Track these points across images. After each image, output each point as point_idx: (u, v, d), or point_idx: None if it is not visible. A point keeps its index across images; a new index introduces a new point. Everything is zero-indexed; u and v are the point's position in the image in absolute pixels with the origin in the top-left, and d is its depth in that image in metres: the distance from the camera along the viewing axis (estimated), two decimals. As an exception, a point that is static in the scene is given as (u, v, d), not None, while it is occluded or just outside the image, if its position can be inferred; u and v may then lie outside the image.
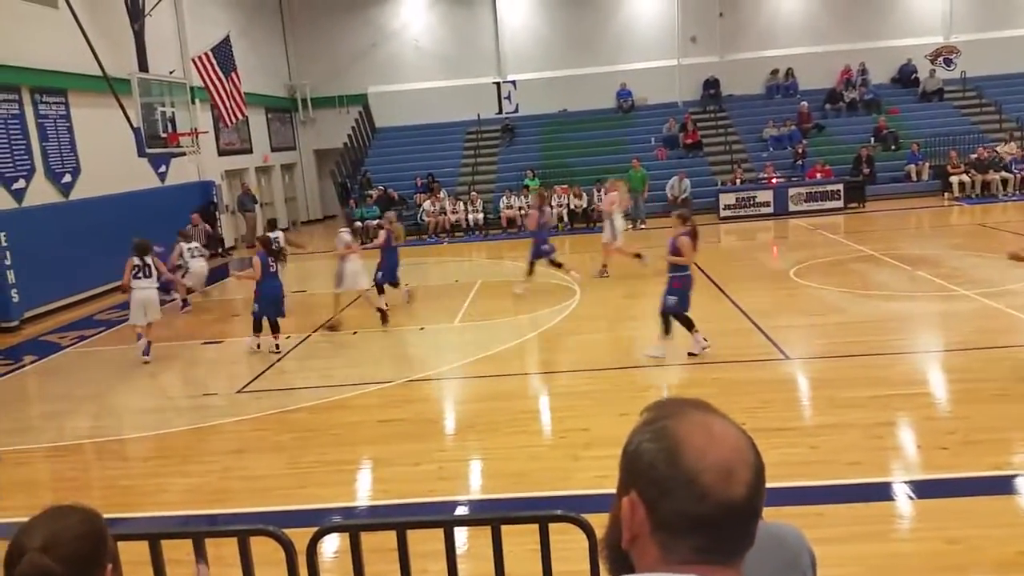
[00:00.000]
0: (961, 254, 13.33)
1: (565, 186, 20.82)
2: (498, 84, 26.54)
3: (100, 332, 12.55)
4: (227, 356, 10.58)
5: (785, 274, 12.67)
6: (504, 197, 21.00)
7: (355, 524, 3.55)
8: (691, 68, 25.75)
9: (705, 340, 8.53)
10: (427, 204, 21.24)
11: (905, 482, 5.42)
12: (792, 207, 19.97)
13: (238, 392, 8.76)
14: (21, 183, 13.98)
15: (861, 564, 4.42)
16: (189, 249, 13.53)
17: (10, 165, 13.74)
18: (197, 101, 18.37)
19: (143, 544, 3.15)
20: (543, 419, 7.45)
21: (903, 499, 5.20)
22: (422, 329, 11.03)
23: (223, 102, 17.92)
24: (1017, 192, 19.96)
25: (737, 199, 20.28)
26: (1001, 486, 5.30)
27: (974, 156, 20.68)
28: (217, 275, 17.21)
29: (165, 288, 12.17)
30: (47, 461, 7.26)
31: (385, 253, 12.16)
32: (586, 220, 20.25)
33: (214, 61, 17.56)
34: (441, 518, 4.27)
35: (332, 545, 4.87)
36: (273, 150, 25.32)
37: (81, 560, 1.60)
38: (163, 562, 3.15)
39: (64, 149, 15.17)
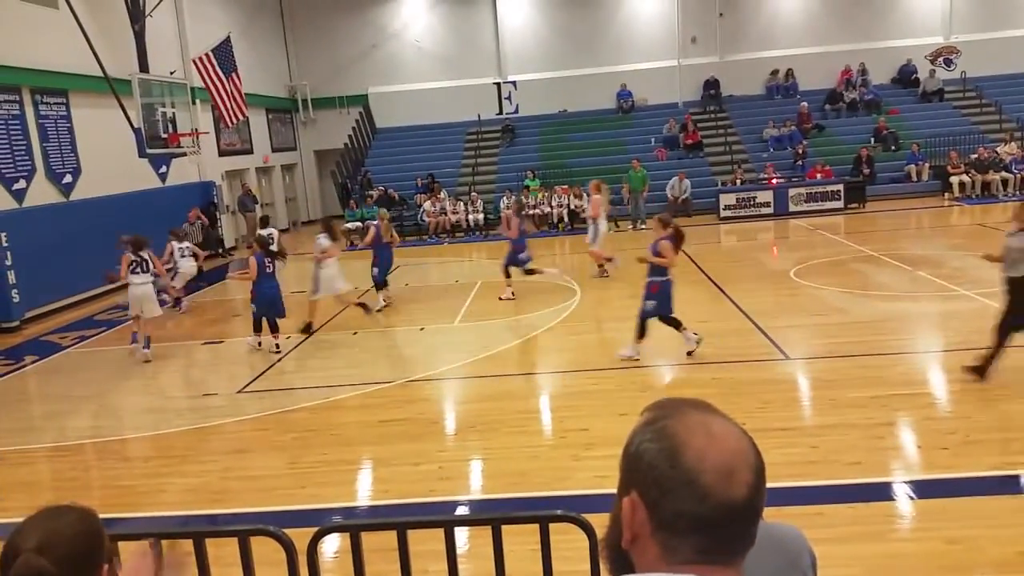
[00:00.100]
0: (961, 254, 13.32)
1: (565, 187, 20.83)
2: (498, 85, 26.55)
3: (101, 332, 12.56)
4: (227, 356, 10.59)
5: (785, 274, 12.67)
6: (504, 198, 20.97)
7: (356, 524, 3.56)
8: (691, 68, 25.75)
9: (695, 333, 8.51)
10: (427, 204, 21.25)
11: (905, 482, 5.43)
12: (792, 207, 19.97)
13: (239, 392, 8.76)
14: (22, 183, 13.99)
15: (861, 564, 4.42)
16: (180, 249, 13.50)
17: (11, 165, 13.74)
18: (198, 101, 18.38)
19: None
20: (543, 419, 7.45)
21: (903, 499, 5.21)
22: (422, 329, 11.03)
23: (224, 103, 17.92)
24: (1017, 192, 19.94)
25: (737, 199, 20.28)
26: (1001, 486, 5.30)
27: (974, 156, 20.68)
28: (216, 276, 17.24)
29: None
30: (48, 461, 7.26)
31: (377, 249, 12.23)
32: (586, 221, 20.23)
33: (215, 61, 17.56)
34: (442, 518, 4.27)
35: (333, 545, 4.88)
36: (273, 151, 25.32)
37: (77, 560, 1.58)
38: (163, 563, 3.15)
39: (65, 149, 15.17)
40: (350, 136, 25.17)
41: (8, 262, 12.84)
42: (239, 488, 6.24)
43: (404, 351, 10.39)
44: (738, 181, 21.01)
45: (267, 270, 10.25)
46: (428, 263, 17.22)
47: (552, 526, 3.18)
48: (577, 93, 25.71)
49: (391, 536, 3.24)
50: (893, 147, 22.33)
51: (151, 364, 10.23)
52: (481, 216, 21.04)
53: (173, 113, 16.31)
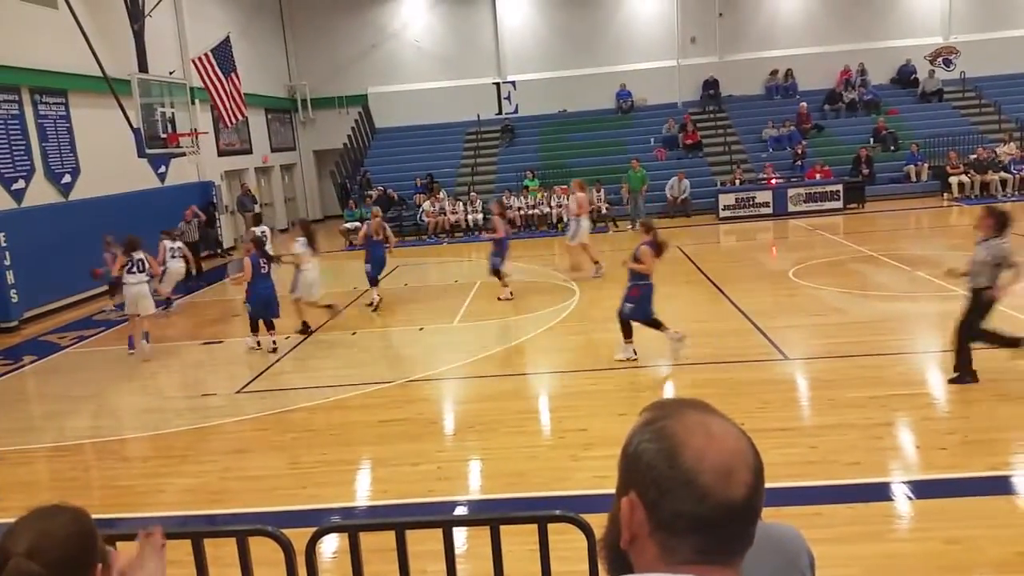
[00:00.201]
0: (960, 255, 13.26)
1: (565, 187, 20.79)
2: (498, 85, 26.55)
3: (99, 332, 12.55)
4: (227, 356, 10.58)
5: (784, 275, 12.68)
6: (504, 198, 21.00)
7: (354, 524, 3.55)
8: (690, 69, 25.76)
9: (677, 332, 8.50)
10: (427, 204, 21.25)
11: (904, 482, 5.43)
12: (791, 208, 19.97)
13: (238, 392, 8.76)
14: (21, 183, 13.98)
15: (860, 564, 4.42)
16: (171, 249, 13.43)
17: (10, 165, 13.74)
18: (197, 102, 18.37)
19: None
20: (542, 419, 7.45)
21: (902, 499, 5.21)
22: (421, 329, 11.03)
23: (223, 103, 17.91)
24: (1016, 193, 19.96)
25: (736, 200, 20.28)
26: (1000, 486, 5.30)
27: (973, 157, 20.68)
28: (215, 276, 17.24)
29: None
30: (47, 461, 7.26)
31: (369, 247, 12.32)
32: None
33: (214, 62, 17.56)
34: (440, 518, 4.27)
35: (331, 545, 4.88)
36: (273, 151, 25.32)
37: (69, 562, 1.55)
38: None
39: (64, 150, 15.16)
40: (349, 136, 25.17)
41: (7, 262, 12.84)
42: (238, 488, 6.23)
43: (403, 351, 10.39)
44: (737, 181, 21.02)
45: (262, 270, 10.32)
46: (427, 263, 17.22)
47: (551, 526, 3.18)
48: (576, 93, 25.71)
49: (390, 536, 3.24)
50: (892, 147, 22.34)
51: (150, 364, 10.23)
52: (480, 216, 21.03)
53: (172, 113, 16.30)
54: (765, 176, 21.00)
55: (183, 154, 17.19)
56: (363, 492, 6.25)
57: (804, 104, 23.84)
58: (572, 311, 11.32)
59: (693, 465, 1.09)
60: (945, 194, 20.48)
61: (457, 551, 3.32)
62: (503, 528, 3.22)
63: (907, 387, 7.24)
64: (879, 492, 5.31)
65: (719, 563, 1.11)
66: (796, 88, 25.37)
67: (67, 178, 15.21)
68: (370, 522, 4.78)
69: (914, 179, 21.39)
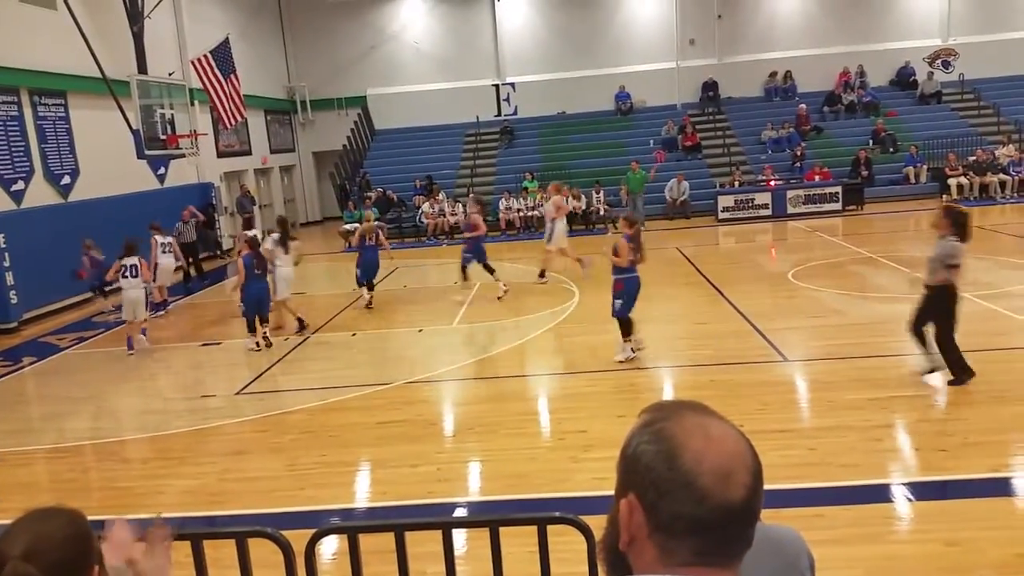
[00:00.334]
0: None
1: (564, 188, 20.82)
2: (497, 86, 26.56)
3: (99, 333, 12.54)
4: (226, 357, 10.58)
5: (783, 276, 12.68)
6: (503, 199, 21.03)
7: (353, 526, 3.56)
8: (690, 70, 25.78)
9: (634, 351, 8.56)
10: (426, 206, 21.26)
11: (904, 484, 5.43)
12: (791, 209, 19.99)
13: (237, 394, 8.75)
14: (20, 185, 13.98)
15: (860, 566, 4.42)
16: (162, 244, 13.35)
17: (9, 167, 13.73)
18: (196, 103, 18.38)
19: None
20: (542, 421, 7.45)
21: (902, 501, 5.21)
22: (421, 331, 11.03)
23: (222, 104, 17.91)
24: (1015, 194, 19.99)
25: (736, 201, 20.29)
26: (1000, 488, 5.31)
27: (972, 158, 20.70)
28: (215, 277, 17.23)
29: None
30: (46, 462, 7.25)
31: (361, 250, 12.39)
32: (585, 222, 20.26)
33: (213, 63, 17.55)
34: (440, 520, 4.27)
35: (330, 547, 4.88)
36: (272, 152, 25.32)
37: (66, 564, 1.54)
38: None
39: (63, 151, 15.17)
40: (349, 137, 25.17)
41: (6, 263, 12.84)
42: (237, 490, 6.23)
43: (402, 352, 10.38)
44: (736, 183, 21.02)
45: (256, 271, 10.46)
46: (426, 264, 17.22)
47: (550, 528, 3.18)
48: (576, 95, 25.73)
49: (389, 538, 3.24)
50: (891, 149, 22.36)
51: (149, 365, 10.24)
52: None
53: (172, 114, 16.31)
54: (764, 178, 21.02)
55: (182, 155, 17.19)
56: (362, 493, 6.25)
57: (803, 106, 23.86)
58: (571, 313, 11.32)
59: (692, 467, 1.09)
60: (944, 196, 20.44)
61: (457, 553, 3.32)
62: (503, 530, 3.22)
63: (906, 389, 7.24)
64: (879, 494, 5.31)
65: (718, 565, 1.11)
66: (795, 90, 25.39)
67: (66, 179, 15.21)
68: (369, 523, 4.77)
69: (913, 181, 21.40)
